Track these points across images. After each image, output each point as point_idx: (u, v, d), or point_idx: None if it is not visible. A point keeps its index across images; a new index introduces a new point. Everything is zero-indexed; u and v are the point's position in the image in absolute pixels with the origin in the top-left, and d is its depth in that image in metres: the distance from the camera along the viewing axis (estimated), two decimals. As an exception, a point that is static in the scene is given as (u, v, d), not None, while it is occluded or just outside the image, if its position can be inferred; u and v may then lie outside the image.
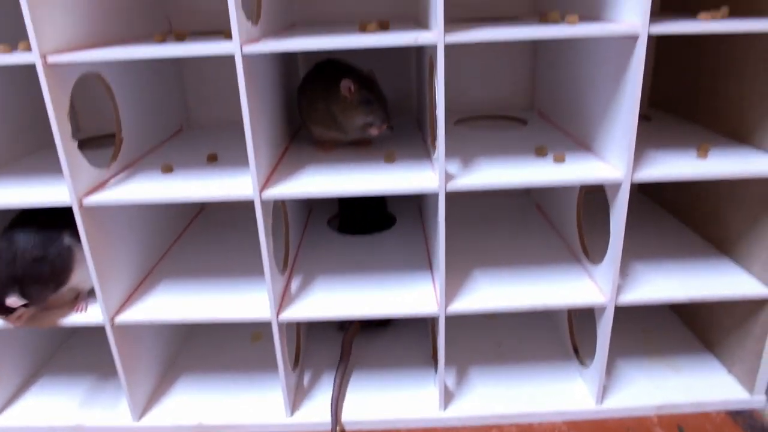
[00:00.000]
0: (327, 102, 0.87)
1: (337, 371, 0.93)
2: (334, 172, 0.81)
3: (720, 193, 0.92)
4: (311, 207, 1.19)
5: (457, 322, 1.07)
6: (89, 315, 0.81)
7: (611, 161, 0.78)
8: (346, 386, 0.92)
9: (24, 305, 0.77)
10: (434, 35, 0.67)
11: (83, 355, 1.03)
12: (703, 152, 0.80)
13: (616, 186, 0.75)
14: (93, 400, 0.92)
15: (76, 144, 0.73)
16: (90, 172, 0.77)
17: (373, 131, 0.87)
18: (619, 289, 0.81)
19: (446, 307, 0.80)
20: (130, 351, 0.85)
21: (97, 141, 1.03)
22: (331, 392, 0.90)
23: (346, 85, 0.84)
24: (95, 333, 1.08)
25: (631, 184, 0.74)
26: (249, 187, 0.74)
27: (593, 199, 0.93)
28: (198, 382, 0.95)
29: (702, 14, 0.72)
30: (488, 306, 0.81)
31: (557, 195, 1.01)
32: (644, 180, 0.74)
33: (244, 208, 1.18)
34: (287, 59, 1.00)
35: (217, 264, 0.95)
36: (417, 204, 1.18)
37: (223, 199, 0.75)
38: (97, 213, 0.77)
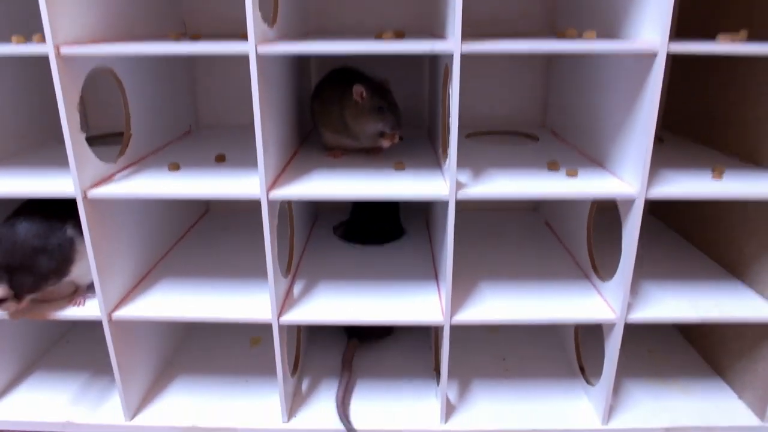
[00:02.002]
0: (340, 107, 0.87)
1: (339, 386, 0.91)
2: (343, 177, 0.80)
3: (733, 218, 0.90)
4: (317, 215, 1.18)
5: (460, 335, 1.05)
6: (87, 309, 0.80)
7: (625, 178, 0.77)
8: (349, 400, 0.91)
9: (16, 296, 0.75)
10: (451, 44, 0.67)
11: (80, 351, 1.02)
12: (717, 173, 0.79)
13: (630, 202, 0.74)
14: (85, 397, 0.90)
15: (83, 136, 0.72)
16: (96, 165, 0.76)
17: (385, 143, 0.86)
18: (629, 307, 0.79)
19: (452, 316, 0.79)
20: (126, 348, 0.84)
21: (105, 139, 1.03)
22: (334, 398, 0.89)
23: (359, 91, 0.83)
24: (93, 328, 1.06)
25: (645, 201, 0.72)
26: (256, 186, 0.73)
27: (602, 218, 0.92)
28: (194, 384, 0.93)
29: (721, 36, 0.71)
30: (494, 317, 0.79)
31: (567, 211, 1.00)
32: (659, 197, 0.73)
33: (249, 210, 1.17)
34: (300, 66, 0.99)
35: (220, 265, 0.94)
36: (424, 218, 1.17)
37: (229, 197, 0.74)
38: (101, 206, 0.76)
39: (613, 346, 0.81)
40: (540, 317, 0.79)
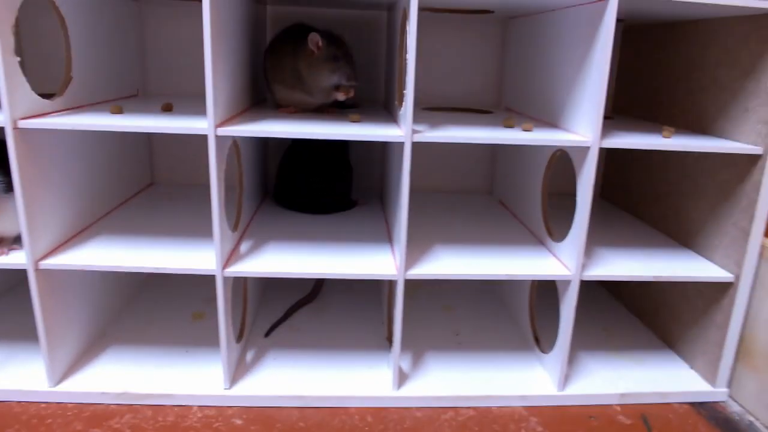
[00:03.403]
0: (293, 59, 0.85)
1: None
2: (295, 123, 0.77)
3: (682, 189, 0.92)
4: (267, 189, 1.14)
5: (414, 314, 1.02)
6: (11, 258, 0.73)
7: (579, 131, 0.77)
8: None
9: None
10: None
11: (5, 321, 0.93)
12: (667, 132, 0.80)
13: (585, 150, 0.74)
14: (5, 363, 0.82)
15: (17, 60, 0.68)
16: (31, 98, 0.71)
17: (339, 95, 0.84)
18: (583, 266, 0.79)
19: (406, 270, 0.76)
20: (54, 306, 0.76)
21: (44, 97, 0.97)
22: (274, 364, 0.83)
23: (315, 40, 0.81)
24: (21, 299, 0.99)
25: (598, 150, 0.73)
26: (204, 122, 0.70)
27: (554, 209, 0.92)
28: (129, 353, 0.86)
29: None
30: (449, 272, 0.76)
31: (521, 183, 1.00)
32: (612, 145, 0.73)
33: (195, 184, 1.13)
34: (254, 22, 0.97)
35: (163, 227, 0.88)
36: (378, 193, 1.14)
37: (173, 130, 0.70)
38: (32, 139, 0.70)
39: (568, 306, 0.79)
40: (496, 272, 0.77)
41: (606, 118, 1.05)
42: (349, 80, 0.82)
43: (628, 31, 1.11)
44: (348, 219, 0.98)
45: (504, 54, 1.15)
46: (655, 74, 1.01)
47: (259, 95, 1.01)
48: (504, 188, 1.12)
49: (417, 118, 0.86)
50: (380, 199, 1.12)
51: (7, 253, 0.75)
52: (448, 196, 1.16)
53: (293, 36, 0.87)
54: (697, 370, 0.88)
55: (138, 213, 0.95)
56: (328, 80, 0.83)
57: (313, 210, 1.01)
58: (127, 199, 1.02)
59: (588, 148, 0.73)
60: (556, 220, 0.88)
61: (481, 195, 1.19)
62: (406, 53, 0.70)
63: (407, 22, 0.70)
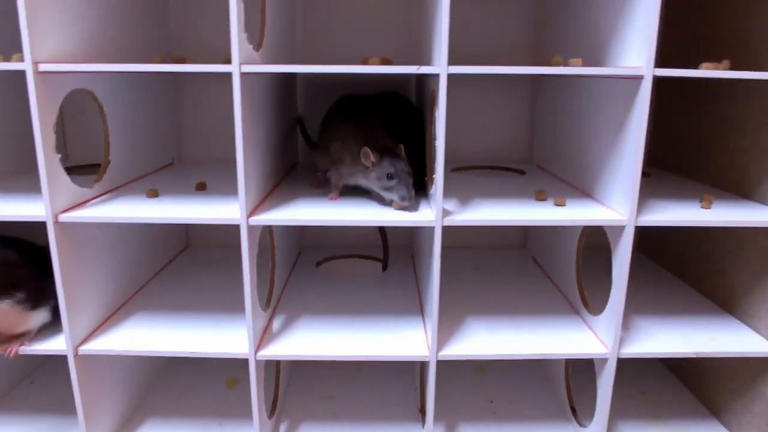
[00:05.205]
0: (352, 157, 0.81)
1: None
2: (327, 204, 0.78)
3: (724, 251, 0.89)
4: (300, 251, 1.15)
5: (446, 375, 1.01)
6: (52, 343, 0.75)
7: (614, 206, 0.75)
8: None
9: None
10: (437, 67, 0.66)
11: (45, 392, 0.95)
12: (707, 203, 0.78)
13: (620, 229, 0.72)
14: (47, 443, 0.84)
15: (58, 157, 0.70)
16: (70, 190, 0.73)
17: (395, 206, 0.78)
18: (621, 342, 0.77)
19: (438, 351, 0.75)
20: (93, 387, 0.78)
21: (84, 169, 1.00)
22: None
23: (366, 155, 0.77)
24: (62, 368, 1.01)
25: (635, 228, 0.71)
26: (236, 211, 0.71)
27: (590, 258, 0.90)
28: (164, 428, 0.87)
29: (705, 65, 0.72)
30: (482, 352, 0.76)
31: (555, 246, 0.98)
32: (648, 223, 0.71)
33: (230, 245, 1.14)
34: (286, 97, 0.98)
35: (198, 300, 0.90)
36: (410, 255, 1.14)
37: (208, 222, 0.71)
38: (72, 231, 0.72)
39: (605, 383, 0.77)
40: (530, 352, 0.76)
41: (641, 173, 1.03)
42: (403, 200, 0.76)
43: (663, 84, 1.09)
44: (381, 287, 0.98)
45: (534, 110, 1.14)
46: (693, 129, 0.98)
47: (288, 162, 1.02)
48: (537, 245, 1.10)
49: (446, 185, 0.85)
50: (412, 261, 1.11)
51: (14, 352, 0.75)
52: (480, 252, 1.15)
53: (356, 123, 0.84)
54: (744, 444, 0.85)
55: (173, 285, 0.96)
56: (382, 196, 0.79)
57: None
58: (164, 266, 1.04)
59: (623, 227, 0.71)
60: (590, 281, 0.86)
61: (514, 249, 1.17)
62: (435, 138, 0.70)
63: (435, 107, 0.70)
